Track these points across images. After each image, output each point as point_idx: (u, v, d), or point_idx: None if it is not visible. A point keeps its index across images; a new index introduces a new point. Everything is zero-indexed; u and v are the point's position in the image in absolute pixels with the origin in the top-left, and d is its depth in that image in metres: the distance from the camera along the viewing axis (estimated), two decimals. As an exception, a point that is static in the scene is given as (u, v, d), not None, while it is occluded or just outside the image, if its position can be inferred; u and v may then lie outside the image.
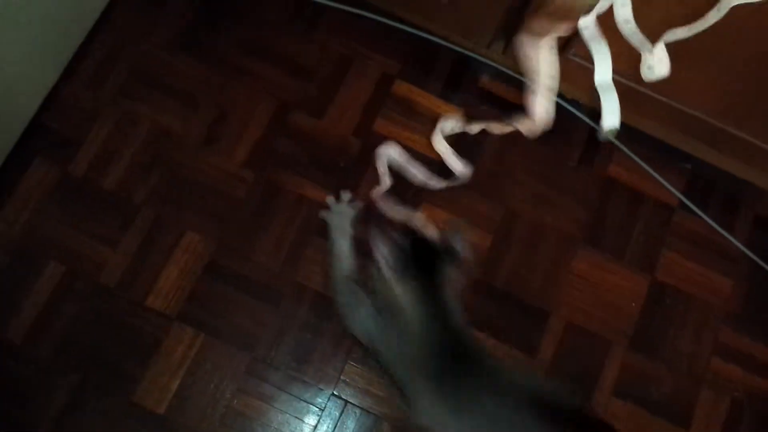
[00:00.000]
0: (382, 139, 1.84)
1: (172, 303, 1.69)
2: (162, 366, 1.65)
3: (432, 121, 1.86)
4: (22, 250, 1.70)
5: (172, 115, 1.82)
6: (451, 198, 1.81)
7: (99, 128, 1.79)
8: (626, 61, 1.54)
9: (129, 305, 1.68)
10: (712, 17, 1.18)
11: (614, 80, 1.63)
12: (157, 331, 1.67)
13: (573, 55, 1.62)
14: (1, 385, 1.62)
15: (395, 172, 1.80)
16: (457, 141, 1.85)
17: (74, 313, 1.67)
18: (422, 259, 1.39)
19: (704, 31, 1.34)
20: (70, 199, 1.73)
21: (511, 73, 1.90)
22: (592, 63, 1.60)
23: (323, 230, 1.74)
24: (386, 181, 1.78)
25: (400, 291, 1.35)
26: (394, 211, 1.72)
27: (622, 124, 1.86)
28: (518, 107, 1.89)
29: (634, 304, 1.79)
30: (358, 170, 1.82)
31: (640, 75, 1.56)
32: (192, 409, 1.63)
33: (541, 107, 1.65)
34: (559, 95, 1.89)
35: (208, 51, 1.88)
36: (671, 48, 1.41)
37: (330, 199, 1.75)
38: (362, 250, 1.64)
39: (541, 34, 1.46)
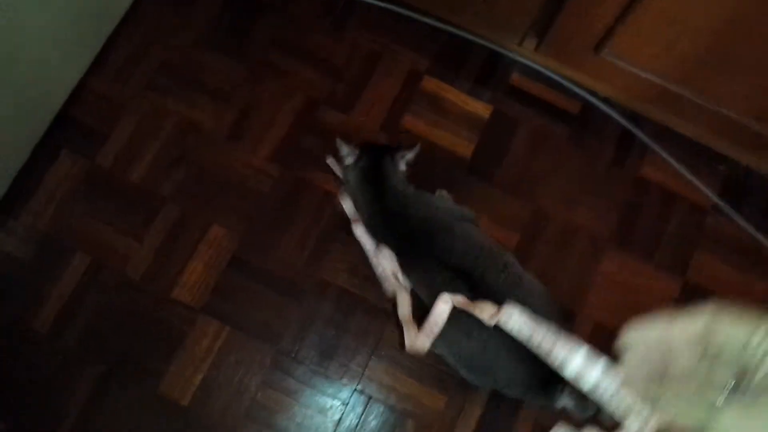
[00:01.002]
0: (410, 134, 1.82)
1: (197, 296, 1.68)
2: (187, 358, 1.64)
3: (460, 118, 1.84)
4: (48, 241, 1.70)
5: (199, 110, 1.82)
6: (479, 197, 1.78)
7: (126, 121, 1.79)
8: (661, 60, 1.52)
9: (154, 298, 1.68)
10: None
11: (649, 80, 1.60)
12: (182, 324, 1.66)
13: (607, 54, 1.60)
14: (27, 376, 1.62)
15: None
16: (486, 136, 1.83)
17: (99, 305, 1.67)
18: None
19: (738, 38, 1.32)
20: (96, 192, 1.74)
21: (543, 70, 1.88)
22: (625, 61, 1.58)
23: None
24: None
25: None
26: None
27: (657, 123, 1.84)
28: (549, 105, 1.87)
29: (665, 306, 1.75)
30: (385, 166, 1.80)
31: (675, 75, 1.54)
32: (216, 402, 1.63)
33: None
34: (592, 94, 1.87)
35: (237, 46, 1.87)
36: (701, 56, 1.40)
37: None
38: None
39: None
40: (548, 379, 1.39)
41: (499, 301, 1.36)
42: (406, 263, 1.52)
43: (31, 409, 1.61)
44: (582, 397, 1.46)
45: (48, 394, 1.62)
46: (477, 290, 1.38)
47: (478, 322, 1.35)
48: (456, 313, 1.38)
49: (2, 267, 1.68)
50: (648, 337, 0.61)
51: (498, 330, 1.34)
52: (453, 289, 1.38)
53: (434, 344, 1.51)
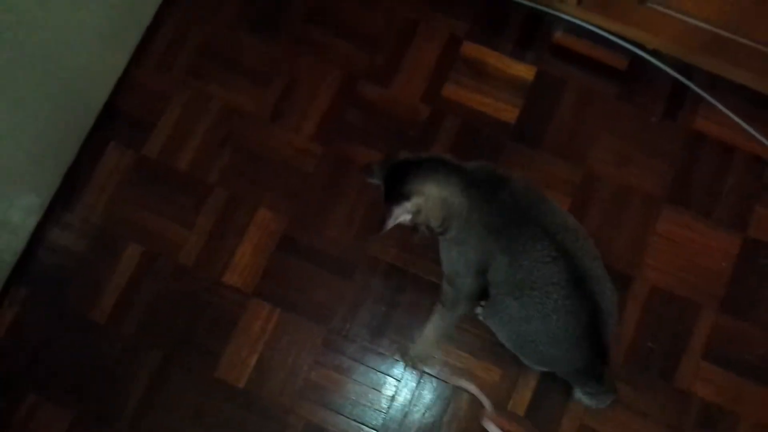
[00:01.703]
0: (452, 104, 1.79)
1: (248, 279, 1.71)
2: (241, 341, 1.68)
3: (503, 82, 1.80)
4: (102, 233, 1.75)
5: (241, 93, 1.82)
6: (528, 162, 1.75)
7: (170, 110, 1.81)
8: (708, 3, 1.45)
9: (206, 283, 1.71)
10: None
11: (698, 27, 1.52)
12: (234, 308, 1.69)
13: (652, 2, 1.53)
14: (89, 365, 1.69)
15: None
16: (531, 100, 1.79)
17: (154, 293, 1.71)
18: None
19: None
20: (145, 182, 1.77)
21: (586, 26, 1.81)
22: (672, 8, 1.51)
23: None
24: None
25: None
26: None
27: (709, 72, 1.76)
28: (595, 62, 1.81)
29: (724, 264, 1.69)
30: (427, 138, 1.78)
31: (723, 18, 1.46)
32: (271, 383, 1.65)
33: None
34: (640, 47, 1.79)
35: (273, 26, 1.86)
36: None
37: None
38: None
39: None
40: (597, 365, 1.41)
41: (587, 290, 1.32)
42: (514, 236, 1.35)
43: (96, 396, 1.67)
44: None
45: (111, 380, 1.67)
46: (575, 273, 1.30)
47: (538, 309, 1.33)
48: (516, 295, 1.36)
49: (60, 260, 1.73)
50: None
51: (557, 316, 1.33)
52: (554, 268, 1.31)
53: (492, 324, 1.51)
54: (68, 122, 1.71)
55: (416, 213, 1.31)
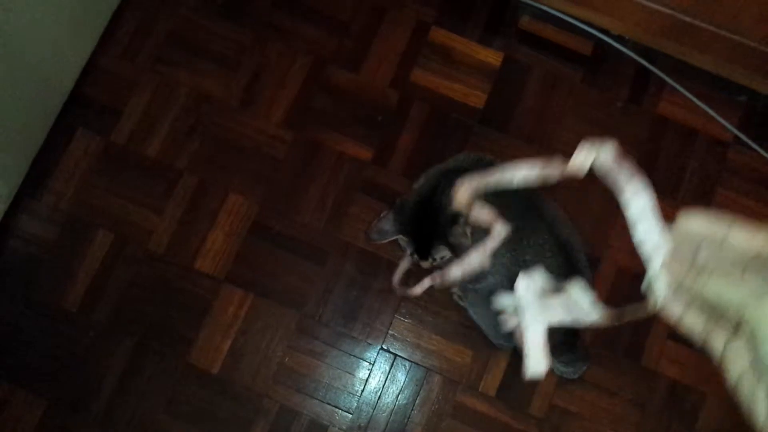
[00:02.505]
0: (421, 89, 1.81)
1: (220, 265, 1.71)
2: (214, 327, 1.68)
3: (471, 68, 1.82)
4: (72, 220, 1.73)
5: (209, 79, 1.82)
6: (496, 146, 1.77)
7: (138, 96, 1.80)
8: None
9: (178, 269, 1.71)
10: None
11: (660, 12, 1.55)
12: (207, 294, 1.70)
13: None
14: (62, 353, 1.68)
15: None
16: (499, 85, 1.81)
17: (126, 280, 1.70)
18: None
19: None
20: (114, 168, 1.76)
21: (552, 11, 1.83)
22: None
23: (366, 187, 1.74)
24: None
25: None
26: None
27: (672, 57, 1.80)
28: (560, 47, 1.84)
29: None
30: (396, 124, 1.79)
31: (684, 2, 1.49)
32: (246, 368, 1.66)
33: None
34: (604, 32, 1.82)
35: (241, 12, 1.86)
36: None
37: None
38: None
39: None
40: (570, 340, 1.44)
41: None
42: (518, 229, 1.31)
43: (70, 383, 1.66)
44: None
45: (84, 368, 1.67)
46: (570, 268, 1.29)
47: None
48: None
49: (29, 248, 1.72)
50: (702, 226, 0.57)
51: None
52: (554, 262, 1.29)
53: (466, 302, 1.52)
54: (34, 110, 1.69)
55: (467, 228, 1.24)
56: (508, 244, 1.28)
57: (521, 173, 0.91)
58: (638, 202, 0.74)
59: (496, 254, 1.29)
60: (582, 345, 1.53)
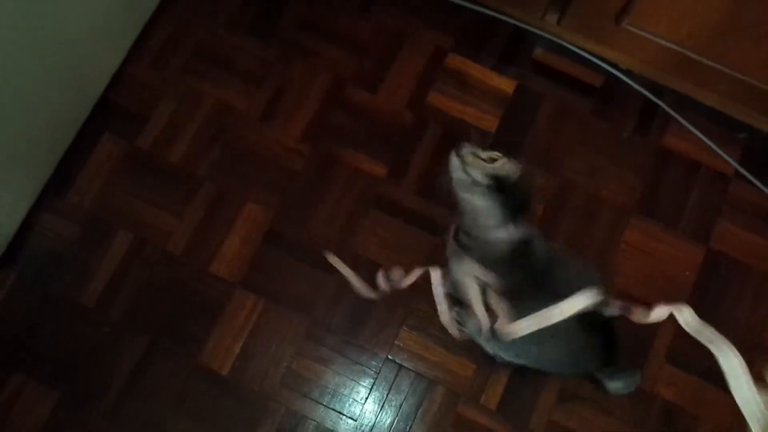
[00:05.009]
0: (435, 111, 1.88)
1: (235, 270, 1.76)
2: (226, 329, 1.73)
3: (485, 93, 1.89)
4: (94, 220, 1.79)
5: (233, 92, 1.89)
6: (504, 169, 1.83)
7: (164, 105, 1.87)
8: (680, 27, 1.55)
9: (194, 272, 1.76)
10: None
11: (670, 49, 1.62)
12: (220, 297, 1.75)
13: (627, 24, 1.63)
14: (75, 347, 1.72)
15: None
16: (511, 111, 1.88)
17: (143, 279, 1.76)
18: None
19: (755, 2, 1.35)
20: (137, 172, 1.82)
21: (565, 44, 1.91)
22: (646, 31, 1.60)
23: (379, 202, 1.81)
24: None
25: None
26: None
27: (678, 92, 1.87)
28: (572, 79, 1.91)
29: (688, 274, 1.79)
30: (411, 143, 1.86)
31: (694, 42, 1.56)
32: (254, 370, 1.71)
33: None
34: (614, 66, 1.90)
35: (268, 29, 1.94)
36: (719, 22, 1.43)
37: None
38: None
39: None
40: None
41: (602, 324, 1.34)
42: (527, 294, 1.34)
43: (81, 378, 1.70)
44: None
45: (96, 363, 1.71)
46: (588, 318, 1.26)
47: (561, 351, 1.38)
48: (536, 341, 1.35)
49: (51, 245, 1.77)
50: None
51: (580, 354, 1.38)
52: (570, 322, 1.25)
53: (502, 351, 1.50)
54: (64, 112, 1.75)
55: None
56: (510, 299, 1.31)
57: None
58: (729, 366, 0.78)
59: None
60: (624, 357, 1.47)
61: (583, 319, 1.27)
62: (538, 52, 1.94)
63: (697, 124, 1.87)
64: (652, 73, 1.88)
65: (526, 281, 1.32)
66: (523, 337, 1.33)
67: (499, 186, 1.28)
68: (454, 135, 1.86)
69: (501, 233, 1.31)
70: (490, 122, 1.87)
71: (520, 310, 1.30)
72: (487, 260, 1.32)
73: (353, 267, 1.74)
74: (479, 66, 1.93)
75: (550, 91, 1.92)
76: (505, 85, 1.91)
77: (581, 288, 1.27)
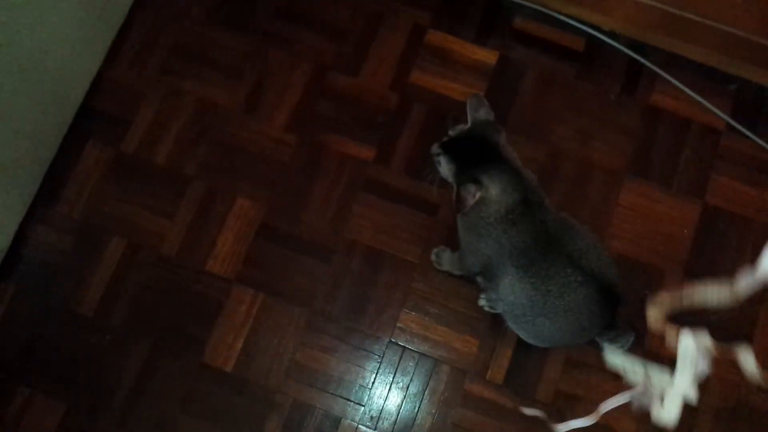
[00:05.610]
0: (419, 89, 1.86)
1: (231, 266, 1.76)
2: (226, 327, 1.73)
3: (467, 67, 1.87)
4: (85, 229, 1.79)
5: (214, 87, 1.88)
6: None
7: (146, 106, 1.86)
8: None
9: (190, 272, 1.76)
10: None
11: (651, 6, 1.60)
12: (218, 295, 1.74)
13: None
14: (79, 357, 1.72)
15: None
16: (495, 83, 1.86)
17: (140, 284, 1.75)
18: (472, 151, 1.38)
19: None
20: (125, 177, 1.81)
21: (544, 10, 1.88)
22: None
23: (369, 186, 1.80)
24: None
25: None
26: None
27: (662, 50, 1.85)
28: (554, 45, 1.89)
29: (685, 231, 1.77)
30: (396, 124, 1.85)
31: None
32: (258, 365, 1.71)
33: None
34: (596, 28, 1.87)
35: (243, 22, 1.92)
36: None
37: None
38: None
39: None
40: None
41: (611, 293, 1.36)
42: (536, 260, 1.36)
43: (88, 386, 1.71)
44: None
45: (101, 371, 1.71)
46: (601, 289, 1.34)
47: (572, 323, 1.40)
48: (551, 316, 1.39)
49: (45, 256, 1.77)
50: None
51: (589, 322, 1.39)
52: (584, 290, 1.34)
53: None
54: (46, 123, 1.75)
55: (473, 197, 1.33)
56: (528, 273, 1.35)
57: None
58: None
59: (518, 281, 1.37)
60: (621, 319, 1.49)
61: (598, 288, 1.33)
62: (518, 21, 1.92)
63: (685, 80, 1.85)
64: (634, 32, 1.86)
65: (537, 242, 1.34)
66: (533, 316, 1.41)
67: (451, 145, 1.39)
68: (440, 112, 1.84)
69: (481, 193, 1.33)
70: (475, 96, 1.86)
71: (529, 272, 1.35)
72: (485, 222, 1.35)
73: (349, 253, 1.74)
74: (460, 40, 1.91)
75: (533, 59, 1.89)
76: (487, 57, 1.89)
77: (590, 253, 1.34)
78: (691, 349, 1.02)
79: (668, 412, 1.01)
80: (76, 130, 1.82)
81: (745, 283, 0.88)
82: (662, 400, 1.00)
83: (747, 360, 0.97)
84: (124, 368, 1.71)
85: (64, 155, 1.81)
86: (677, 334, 1.09)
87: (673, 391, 0.99)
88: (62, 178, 1.80)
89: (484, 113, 1.42)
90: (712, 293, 0.88)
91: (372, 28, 1.91)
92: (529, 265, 1.34)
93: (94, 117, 1.85)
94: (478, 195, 1.31)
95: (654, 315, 1.10)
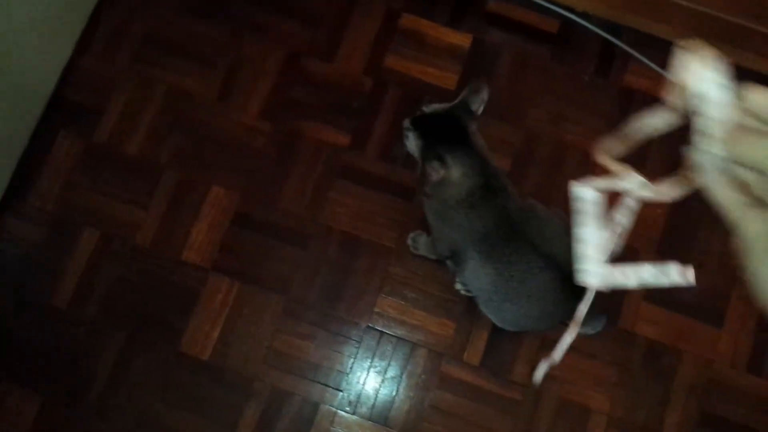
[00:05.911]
0: (394, 74, 1.85)
1: (206, 255, 1.75)
2: (203, 315, 1.72)
3: (442, 51, 1.87)
4: (58, 220, 1.77)
5: (186, 76, 1.86)
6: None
7: (117, 96, 1.84)
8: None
9: (165, 262, 1.75)
10: None
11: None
12: (194, 284, 1.74)
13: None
14: (54, 349, 1.72)
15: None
16: (469, 66, 1.86)
17: (114, 275, 1.75)
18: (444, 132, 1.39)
19: None
20: (97, 168, 1.80)
21: (517, -8, 1.88)
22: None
23: (344, 172, 1.79)
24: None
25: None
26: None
27: (635, 30, 1.84)
28: (528, 27, 1.89)
29: (659, 211, 1.78)
30: (371, 109, 1.84)
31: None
32: (236, 353, 1.70)
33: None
34: (569, 9, 1.87)
35: (215, 9, 1.90)
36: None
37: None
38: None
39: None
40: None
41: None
42: (498, 246, 1.37)
43: (64, 378, 1.70)
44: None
45: (77, 363, 1.71)
46: (564, 272, 1.32)
47: (536, 307, 1.41)
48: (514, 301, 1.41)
49: (18, 249, 1.76)
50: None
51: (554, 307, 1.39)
52: (546, 275, 1.34)
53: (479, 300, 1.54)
54: (16, 114, 1.73)
55: (437, 173, 1.33)
56: (490, 259, 1.36)
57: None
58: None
59: (482, 266, 1.37)
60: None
61: (561, 274, 1.32)
62: (491, 4, 1.91)
63: (658, 60, 1.85)
64: (606, 12, 1.85)
65: (499, 228, 1.34)
66: (499, 301, 1.42)
67: (423, 121, 1.40)
68: (414, 96, 1.83)
69: (446, 172, 1.33)
70: (449, 80, 1.85)
71: (492, 257, 1.35)
72: (447, 205, 1.37)
73: (326, 240, 1.74)
74: (433, 23, 1.90)
75: (507, 41, 1.89)
76: (461, 40, 1.88)
77: (556, 240, 1.34)
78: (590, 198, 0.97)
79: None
80: (47, 121, 1.81)
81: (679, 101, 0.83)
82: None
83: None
84: (101, 360, 1.70)
85: (36, 147, 1.79)
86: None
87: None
88: (34, 170, 1.79)
89: (478, 100, 1.42)
90: (650, 120, 0.84)
91: (345, 13, 1.90)
92: (491, 251, 1.35)
93: (66, 107, 1.83)
94: (441, 173, 1.32)
95: (604, 161, 1.08)
